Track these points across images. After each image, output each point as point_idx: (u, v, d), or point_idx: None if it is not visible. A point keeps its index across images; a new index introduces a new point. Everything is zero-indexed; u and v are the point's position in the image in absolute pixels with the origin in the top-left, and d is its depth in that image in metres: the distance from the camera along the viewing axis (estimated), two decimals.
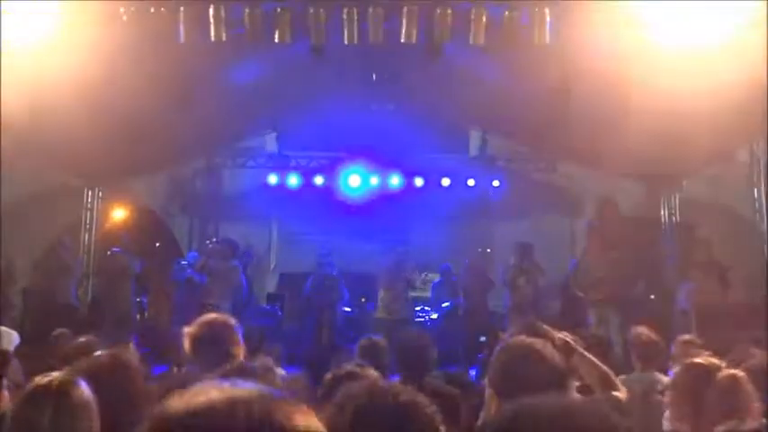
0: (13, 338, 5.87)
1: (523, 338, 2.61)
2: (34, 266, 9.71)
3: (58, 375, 2.14)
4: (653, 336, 4.82)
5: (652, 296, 12.29)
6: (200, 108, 8.90)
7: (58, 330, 5.64)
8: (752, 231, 9.48)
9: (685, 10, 6.33)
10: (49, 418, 1.98)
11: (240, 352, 3.36)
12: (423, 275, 11.24)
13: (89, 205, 12.21)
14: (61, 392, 2.07)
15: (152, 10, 6.47)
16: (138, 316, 9.94)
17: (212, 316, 3.55)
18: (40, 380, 2.10)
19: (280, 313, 10.25)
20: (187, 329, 3.39)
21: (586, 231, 10.87)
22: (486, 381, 2.68)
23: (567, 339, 3.01)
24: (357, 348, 4.49)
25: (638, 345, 4.79)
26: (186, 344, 3.35)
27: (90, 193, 12.25)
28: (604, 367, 3.06)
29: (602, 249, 9.51)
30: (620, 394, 2.98)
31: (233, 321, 3.50)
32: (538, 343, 2.54)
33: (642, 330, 4.87)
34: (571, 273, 9.94)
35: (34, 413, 1.98)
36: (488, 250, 10.33)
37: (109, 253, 9.61)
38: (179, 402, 1.04)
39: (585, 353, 3.05)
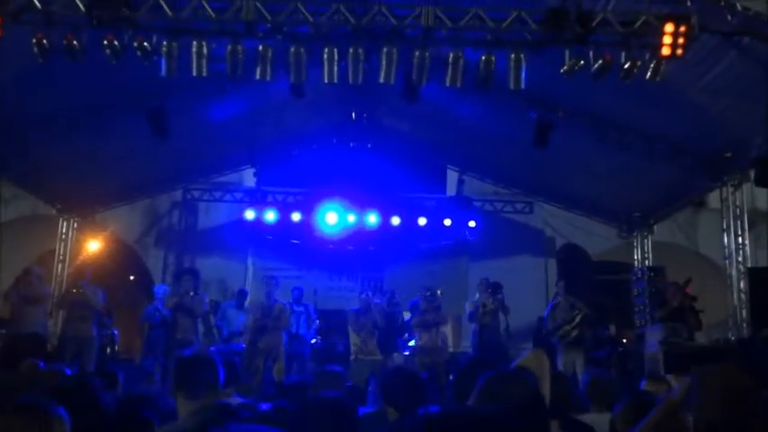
0: None
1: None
2: (4, 295, 9.56)
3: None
4: (605, 377, 4.85)
5: (624, 339, 12.41)
6: (178, 141, 8.93)
7: (28, 360, 5.54)
8: (721, 276, 9.64)
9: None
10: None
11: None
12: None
13: (63, 236, 12.10)
14: (46, 410, 2.10)
15: (135, 44, 6.54)
16: (108, 349, 9.79)
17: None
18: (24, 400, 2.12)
19: (242, 348, 10.17)
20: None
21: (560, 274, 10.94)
22: None
23: None
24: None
25: (592, 386, 4.75)
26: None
27: (65, 224, 12.15)
28: None
29: (577, 293, 9.67)
30: None
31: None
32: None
33: (597, 372, 4.93)
34: (548, 315, 10.03)
35: (23, 428, 1.99)
36: (439, 291, 10.26)
37: (74, 290, 9.49)
38: None
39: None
